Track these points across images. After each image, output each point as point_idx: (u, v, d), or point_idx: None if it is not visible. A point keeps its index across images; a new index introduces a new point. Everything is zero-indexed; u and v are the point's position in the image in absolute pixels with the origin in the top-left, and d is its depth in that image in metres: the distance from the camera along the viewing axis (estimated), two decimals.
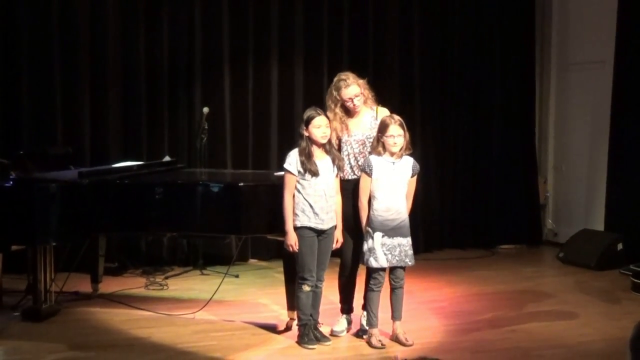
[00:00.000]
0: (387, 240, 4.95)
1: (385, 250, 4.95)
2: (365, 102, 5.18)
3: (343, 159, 5.10)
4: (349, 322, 5.34)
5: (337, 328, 5.30)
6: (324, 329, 5.24)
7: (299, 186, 4.91)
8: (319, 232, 4.97)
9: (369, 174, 4.97)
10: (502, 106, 8.88)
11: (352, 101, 5.09)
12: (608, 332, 5.36)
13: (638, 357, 2.38)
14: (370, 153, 5.07)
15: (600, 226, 8.22)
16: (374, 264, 4.97)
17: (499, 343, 5.20)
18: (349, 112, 5.17)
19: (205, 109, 7.17)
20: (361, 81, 5.17)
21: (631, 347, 2.42)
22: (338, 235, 5.09)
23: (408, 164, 5.04)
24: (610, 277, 7.22)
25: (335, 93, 5.13)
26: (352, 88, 5.10)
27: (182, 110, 7.62)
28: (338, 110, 5.12)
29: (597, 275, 7.33)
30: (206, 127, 7.14)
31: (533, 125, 9.11)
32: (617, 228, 7.84)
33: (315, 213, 4.91)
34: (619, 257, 7.54)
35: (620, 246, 7.65)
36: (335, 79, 5.20)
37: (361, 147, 5.14)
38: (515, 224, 8.88)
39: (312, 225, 4.92)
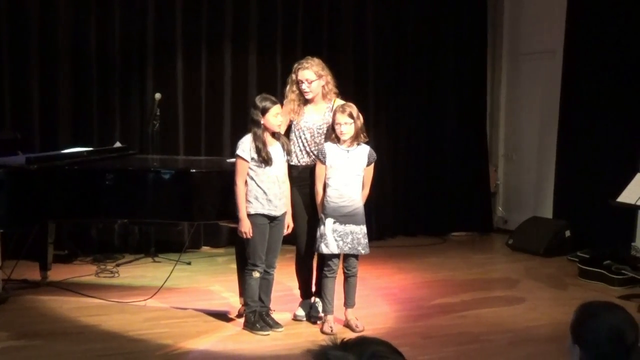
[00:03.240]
0: (338, 226, 4.97)
1: (337, 236, 4.96)
2: (324, 96, 5.19)
3: (289, 143, 5.12)
4: (310, 306, 5.36)
5: (298, 312, 5.34)
6: (284, 315, 5.24)
7: (251, 173, 4.89)
8: (272, 219, 4.96)
9: (323, 162, 4.99)
10: (455, 95, 8.95)
11: (304, 84, 5.11)
12: (555, 316, 5.46)
13: (578, 340, 2.43)
14: (325, 141, 5.09)
15: (549, 213, 8.35)
16: (324, 249, 4.99)
17: (449, 328, 5.27)
18: (304, 97, 5.19)
19: (158, 95, 7.09)
20: (324, 73, 5.18)
21: (572, 331, 2.46)
22: (289, 221, 5.12)
23: (364, 152, 5.05)
24: (558, 263, 7.35)
25: (293, 74, 5.18)
26: (307, 72, 5.12)
27: (133, 95, 7.53)
28: (295, 88, 5.16)
29: (546, 261, 7.45)
30: (158, 113, 7.06)
31: (484, 114, 9.20)
32: (565, 215, 7.97)
33: (268, 200, 4.91)
34: (566, 244, 7.68)
35: (568, 233, 7.78)
36: (297, 62, 5.24)
37: (309, 135, 5.17)
38: (466, 211, 8.97)
39: (266, 212, 4.92)
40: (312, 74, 5.13)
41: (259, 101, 4.94)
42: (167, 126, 7.41)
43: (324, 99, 5.22)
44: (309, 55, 5.29)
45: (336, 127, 4.96)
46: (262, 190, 4.90)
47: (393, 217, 8.76)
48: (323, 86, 5.17)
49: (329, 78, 5.21)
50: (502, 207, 9.35)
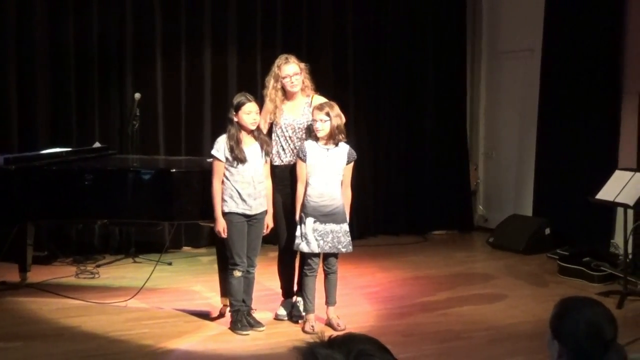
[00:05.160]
0: (319, 225, 4.97)
1: (317, 235, 4.97)
2: (303, 90, 5.22)
3: (271, 144, 5.12)
4: (292, 306, 5.35)
5: (280, 312, 5.35)
6: (265, 315, 5.24)
7: (227, 173, 4.89)
8: (249, 217, 4.96)
9: (304, 160, 5.01)
10: (435, 93, 8.96)
11: (291, 79, 5.13)
12: (536, 313, 5.48)
13: (557, 335, 2.44)
14: (304, 140, 5.11)
15: (528, 211, 8.38)
16: (305, 248, 5.00)
17: (431, 326, 5.28)
18: (285, 94, 5.19)
19: (137, 95, 7.05)
20: (302, 65, 5.25)
21: (550, 326, 2.47)
22: (269, 221, 5.11)
23: (343, 151, 5.07)
24: (538, 260, 7.38)
25: (277, 70, 5.18)
26: (292, 66, 5.16)
27: (113, 95, 7.49)
28: (279, 86, 5.17)
29: (526, 259, 7.48)
30: (138, 113, 7.03)
31: (464, 113, 9.22)
32: (545, 213, 8.00)
33: (242, 199, 4.91)
34: (546, 242, 7.70)
35: (547, 231, 7.81)
36: (278, 58, 5.25)
37: (290, 131, 5.19)
38: (447, 210, 8.99)
39: (240, 211, 4.93)
40: (297, 67, 5.17)
41: (234, 98, 4.96)
42: (147, 126, 7.39)
43: (302, 95, 5.25)
44: (293, 55, 5.30)
45: (313, 123, 5.02)
46: (237, 190, 4.90)
47: (374, 216, 8.76)
48: (302, 81, 5.20)
49: (306, 73, 5.25)
50: (483, 205, 9.39)
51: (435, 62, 8.94)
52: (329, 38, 8.39)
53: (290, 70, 5.15)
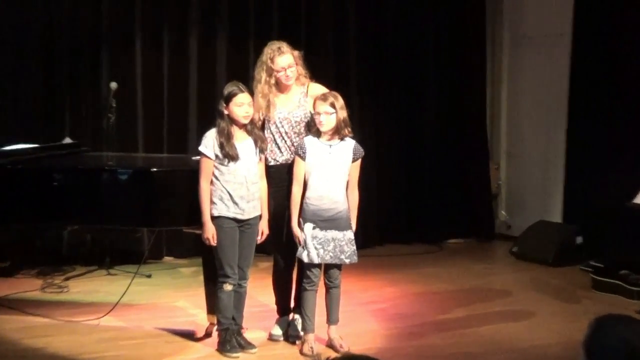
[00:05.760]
0: (318, 232, 4.95)
1: (317, 244, 4.94)
2: (297, 78, 5.20)
3: (266, 139, 5.10)
4: (289, 324, 5.33)
5: (275, 332, 5.33)
6: (258, 334, 5.22)
7: (216, 172, 4.88)
8: (240, 222, 4.94)
9: (303, 158, 4.98)
10: (449, 84, 8.95)
11: (285, 71, 5.11)
12: (565, 334, 5.46)
13: (590, 358, 2.41)
14: (301, 135, 5.10)
15: (557, 217, 8.37)
16: (305, 258, 4.96)
17: (446, 348, 5.27)
18: (279, 87, 5.17)
19: (113, 84, 7.02)
20: (296, 52, 5.23)
21: (585, 348, 2.45)
22: (263, 227, 5.07)
23: (348, 147, 5.04)
24: (569, 273, 7.37)
25: (268, 62, 5.13)
26: (286, 57, 5.13)
27: (85, 85, 7.50)
28: (272, 80, 5.13)
29: (554, 271, 7.47)
30: (114, 104, 6.99)
31: (484, 106, 9.21)
32: (577, 219, 7.99)
33: (234, 202, 4.89)
34: (578, 252, 7.70)
35: (579, 240, 7.80)
36: (267, 47, 5.21)
37: (287, 126, 5.17)
38: (464, 215, 8.98)
39: (231, 215, 4.91)
40: (291, 58, 5.15)
41: (225, 88, 4.94)
42: (125, 119, 7.37)
43: (296, 84, 5.24)
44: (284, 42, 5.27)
45: (315, 117, 4.96)
46: (228, 191, 4.89)
47: (381, 221, 8.75)
48: (296, 65, 5.19)
49: (300, 60, 5.23)
50: (505, 210, 9.37)
51: (450, 48, 8.93)
52: (329, 23, 8.38)
53: (285, 62, 5.12)
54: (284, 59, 5.11)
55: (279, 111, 5.18)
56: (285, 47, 5.16)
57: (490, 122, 9.35)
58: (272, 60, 5.13)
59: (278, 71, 5.12)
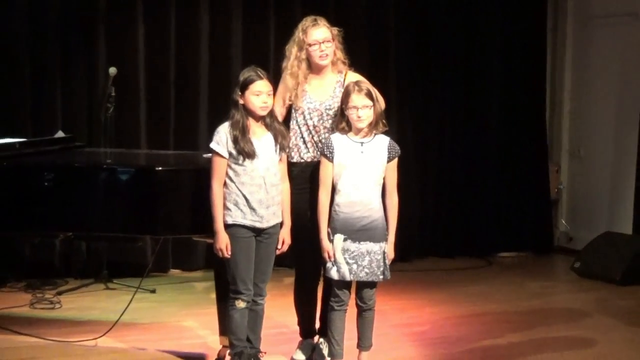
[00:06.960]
0: (350, 245, 4.90)
1: (349, 258, 4.90)
2: (334, 64, 5.21)
3: (288, 135, 5.08)
4: (313, 349, 5.37)
5: (297, 357, 5.36)
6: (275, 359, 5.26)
7: (230, 172, 4.84)
8: (258, 232, 4.94)
9: (330, 159, 4.94)
10: (503, 73, 8.96)
11: (320, 46, 5.10)
12: None
13: None
14: (332, 130, 5.07)
15: (628, 229, 8.36)
16: (334, 275, 4.93)
17: None
18: (311, 68, 5.19)
19: (112, 70, 7.08)
20: (335, 30, 5.20)
21: None
22: (285, 235, 5.04)
23: (383, 144, 4.99)
24: None
25: (301, 35, 5.14)
26: (323, 30, 5.12)
27: (79, 71, 7.56)
28: (304, 56, 5.15)
29: (623, 291, 7.47)
30: (113, 93, 7.07)
31: (543, 98, 9.22)
32: None
33: (251, 208, 4.84)
34: None
35: None
36: (303, 20, 5.22)
37: (316, 118, 5.15)
38: (518, 225, 8.99)
39: (248, 223, 4.85)
40: (329, 33, 5.14)
41: (241, 74, 4.93)
42: (125, 110, 7.45)
43: (332, 70, 5.23)
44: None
45: (350, 111, 4.89)
46: (243, 195, 4.82)
47: (421, 232, 8.78)
48: (334, 52, 5.20)
49: (339, 42, 5.23)
50: (566, 219, 9.37)
51: (504, 31, 8.93)
52: None
53: (320, 35, 5.11)
54: (319, 31, 5.11)
55: (309, 100, 5.16)
56: (323, 20, 5.17)
57: (550, 117, 9.35)
58: (305, 32, 5.14)
59: (311, 44, 5.11)
